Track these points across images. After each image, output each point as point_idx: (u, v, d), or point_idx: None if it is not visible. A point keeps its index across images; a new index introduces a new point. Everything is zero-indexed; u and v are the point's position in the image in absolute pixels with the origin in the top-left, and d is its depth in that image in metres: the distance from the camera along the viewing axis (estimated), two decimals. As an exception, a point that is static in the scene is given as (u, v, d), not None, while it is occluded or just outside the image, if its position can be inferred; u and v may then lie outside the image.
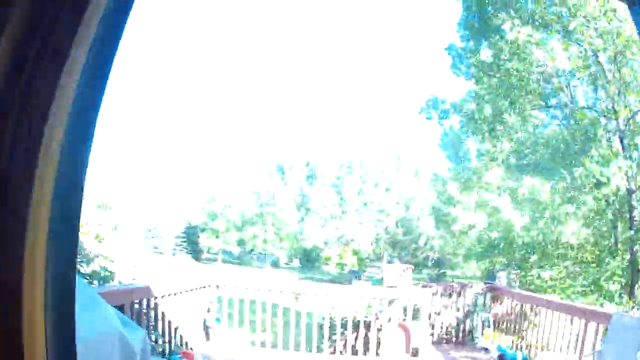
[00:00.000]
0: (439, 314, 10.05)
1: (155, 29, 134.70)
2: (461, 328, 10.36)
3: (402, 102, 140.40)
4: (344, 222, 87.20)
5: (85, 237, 43.15)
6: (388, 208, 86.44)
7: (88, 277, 6.34)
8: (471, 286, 10.79)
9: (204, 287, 8.21)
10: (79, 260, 6.30)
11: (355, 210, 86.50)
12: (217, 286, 8.51)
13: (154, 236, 67.72)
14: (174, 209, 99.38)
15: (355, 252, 61.86)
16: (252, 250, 76.29)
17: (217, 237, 70.67)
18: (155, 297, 6.56)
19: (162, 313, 6.78)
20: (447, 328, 10.22)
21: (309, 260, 74.97)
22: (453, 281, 57.02)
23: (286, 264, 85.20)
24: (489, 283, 44.64)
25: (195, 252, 74.62)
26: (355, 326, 8.63)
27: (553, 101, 15.99)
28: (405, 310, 9.01)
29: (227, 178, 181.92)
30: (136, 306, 6.00)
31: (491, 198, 40.75)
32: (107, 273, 6.86)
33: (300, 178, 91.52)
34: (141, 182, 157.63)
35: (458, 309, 10.32)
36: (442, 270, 64.14)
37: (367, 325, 8.47)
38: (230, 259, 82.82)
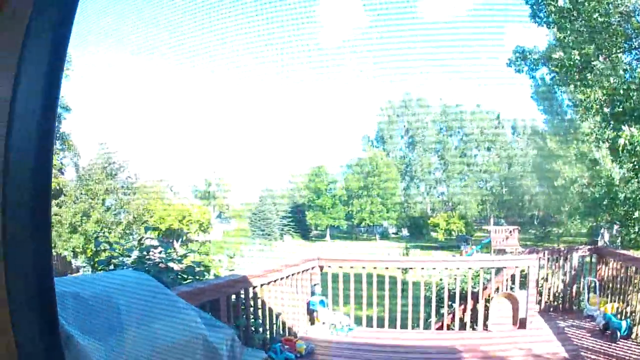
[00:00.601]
0: (546, 279, 9.57)
1: None
2: (568, 294, 9.89)
3: (488, 57, 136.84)
4: (449, 186, 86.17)
5: (187, 229, 44.00)
6: (491, 168, 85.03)
7: (181, 275, 6.19)
8: (577, 249, 10.12)
9: (307, 269, 8.00)
10: (168, 257, 6.16)
11: (458, 173, 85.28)
12: (321, 267, 8.28)
13: (260, 219, 68.49)
14: (278, 189, 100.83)
15: (462, 217, 60.81)
16: (359, 223, 76.16)
17: (323, 213, 70.86)
18: (254, 287, 6.39)
19: (262, 301, 6.64)
20: (554, 295, 9.73)
21: (416, 228, 74.15)
22: (559, 242, 55.77)
23: (394, 234, 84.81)
24: (594, 242, 43.02)
25: (303, 230, 75.15)
26: (463, 298, 8.21)
27: (636, 43, 14.71)
28: (513, 278, 8.56)
29: (328, 153, 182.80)
30: (233, 298, 5.84)
31: (589, 150, 39.53)
32: (202, 267, 6.68)
33: (402, 145, 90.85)
34: (243, 167, 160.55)
35: (565, 274, 9.79)
36: (547, 229, 62.29)
37: (475, 296, 8.03)
38: (338, 234, 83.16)
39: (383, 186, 72.11)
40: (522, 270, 8.19)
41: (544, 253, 9.66)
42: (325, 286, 8.32)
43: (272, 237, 67.55)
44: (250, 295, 6.40)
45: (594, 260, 9.98)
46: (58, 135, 27.25)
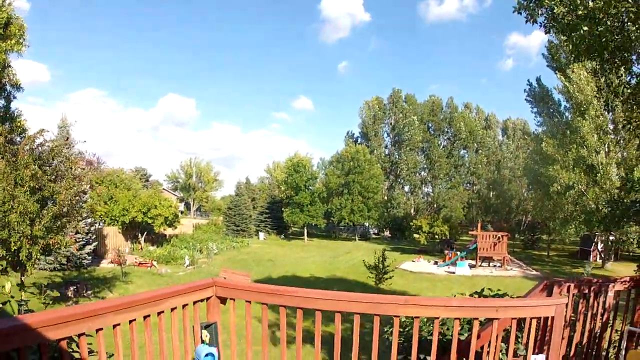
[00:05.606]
0: (568, 326, 6.21)
1: None
2: (594, 346, 6.85)
3: (481, 51, 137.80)
4: (435, 187, 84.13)
5: (152, 222, 40.66)
6: (479, 170, 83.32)
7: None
8: (614, 280, 6.73)
9: (196, 301, 4.62)
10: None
11: (445, 174, 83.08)
12: (222, 299, 4.88)
13: (235, 214, 65.57)
14: (255, 184, 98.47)
15: (447, 220, 58.10)
16: (339, 222, 73.53)
17: (301, 211, 67.90)
18: (80, 335, 3.23)
19: None
20: (576, 346, 6.41)
21: (399, 229, 71.70)
22: (549, 250, 53.40)
23: (376, 234, 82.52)
24: (586, 252, 40.11)
25: (280, 228, 72.49)
26: (444, 347, 4.91)
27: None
28: (521, 324, 5.24)
29: (308, 148, 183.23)
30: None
31: (588, 155, 36.97)
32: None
33: (387, 143, 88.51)
34: (218, 157, 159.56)
35: (594, 317, 6.48)
36: (536, 235, 60.48)
37: (463, 348, 4.67)
38: (317, 232, 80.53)
39: (365, 184, 69.62)
40: (537, 318, 4.87)
41: (568, 288, 6.18)
42: (226, 329, 4.88)
43: (246, 234, 64.77)
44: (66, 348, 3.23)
45: (632, 296, 6.97)
46: (8, 115, 25.14)
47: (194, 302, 4.65)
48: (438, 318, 4.41)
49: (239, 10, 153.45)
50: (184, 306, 4.52)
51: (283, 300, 4.72)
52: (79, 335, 3.40)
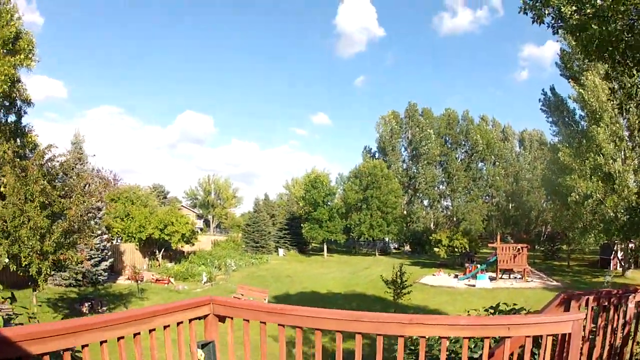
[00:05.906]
0: (587, 340, 5.76)
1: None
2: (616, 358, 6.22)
3: (496, 63, 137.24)
4: (454, 200, 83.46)
5: (170, 239, 40.50)
6: (497, 182, 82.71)
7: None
8: (635, 290, 6.23)
9: (192, 319, 4.37)
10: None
11: (464, 187, 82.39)
12: (221, 317, 4.60)
13: (254, 230, 65.35)
14: (274, 200, 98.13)
15: (466, 233, 57.47)
16: (358, 237, 73.08)
17: (320, 226, 67.59)
18: (65, 350, 3.04)
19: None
20: None
21: (419, 243, 71.12)
22: (569, 260, 52.56)
23: (396, 249, 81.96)
24: (607, 261, 39.22)
25: (299, 244, 72.15)
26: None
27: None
28: (538, 340, 4.90)
29: (326, 164, 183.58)
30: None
31: (605, 163, 36.37)
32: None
33: (405, 157, 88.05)
34: (236, 174, 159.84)
35: (615, 331, 5.99)
36: (556, 246, 59.59)
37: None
38: (337, 248, 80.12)
39: (383, 199, 69.20)
40: (553, 336, 4.47)
41: (586, 301, 5.74)
42: (224, 348, 4.60)
43: (265, 250, 64.48)
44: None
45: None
46: (19, 130, 25.01)
47: (190, 320, 4.41)
48: (446, 337, 4.12)
49: (253, 22, 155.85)
50: (178, 324, 4.28)
51: (282, 319, 4.45)
52: (63, 351, 3.21)
